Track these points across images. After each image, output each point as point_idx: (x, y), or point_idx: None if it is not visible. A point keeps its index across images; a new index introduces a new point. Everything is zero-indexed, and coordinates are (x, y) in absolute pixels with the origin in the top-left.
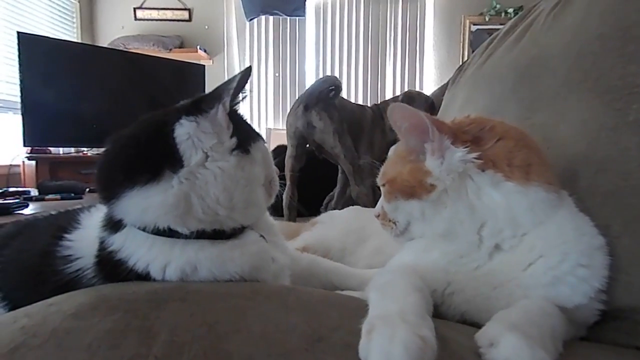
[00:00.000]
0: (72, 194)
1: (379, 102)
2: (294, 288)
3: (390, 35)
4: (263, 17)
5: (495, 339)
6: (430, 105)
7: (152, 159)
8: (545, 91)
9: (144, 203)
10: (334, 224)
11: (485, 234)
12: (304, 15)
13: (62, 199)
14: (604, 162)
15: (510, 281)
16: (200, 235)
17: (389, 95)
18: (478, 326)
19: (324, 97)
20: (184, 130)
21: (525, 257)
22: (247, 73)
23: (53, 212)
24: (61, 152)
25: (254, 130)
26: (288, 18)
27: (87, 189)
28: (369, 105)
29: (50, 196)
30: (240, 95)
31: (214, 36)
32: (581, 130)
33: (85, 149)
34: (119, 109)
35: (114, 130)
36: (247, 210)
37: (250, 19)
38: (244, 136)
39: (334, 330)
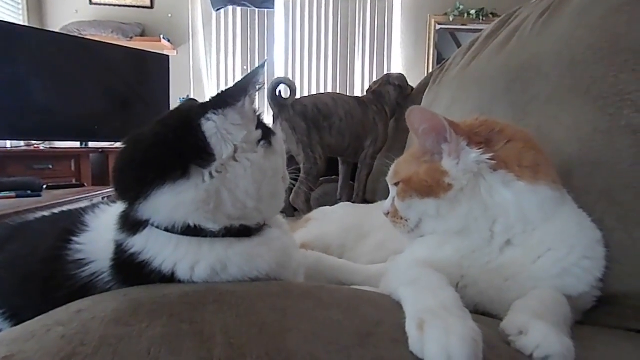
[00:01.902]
0: (29, 191)
1: (377, 89)
2: (322, 286)
3: (359, 32)
4: (230, 7)
5: (525, 327)
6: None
7: (182, 155)
8: (538, 95)
9: (175, 200)
10: (330, 221)
11: (497, 230)
12: (272, 8)
13: (17, 196)
14: (598, 162)
15: (521, 273)
16: (228, 232)
17: (358, 91)
18: (491, 317)
19: (280, 101)
20: (212, 125)
21: (535, 250)
22: (263, 65)
23: (47, 214)
24: (9, 146)
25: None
26: (257, 10)
27: (45, 186)
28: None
29: (3, 194)
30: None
31: (178, 25)
32: (575, 132)
33: (36, 142)
34: (74, 100)
35: (68, 122)
36: (273, 202)
37: (217, 9)
38: (266, 128)
39: (377, 325)
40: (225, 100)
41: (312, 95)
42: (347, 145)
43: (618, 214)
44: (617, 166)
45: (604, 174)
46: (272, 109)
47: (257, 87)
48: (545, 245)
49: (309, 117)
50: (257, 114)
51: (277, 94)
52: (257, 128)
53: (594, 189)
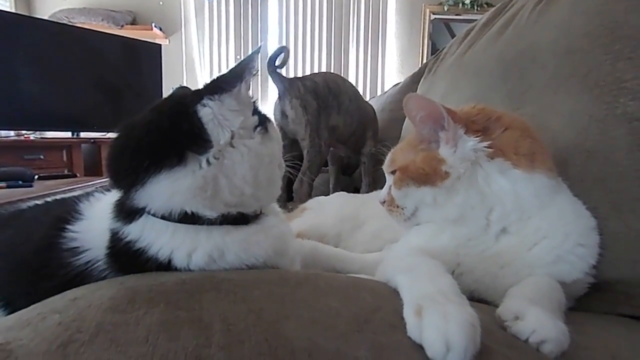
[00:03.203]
0: (20, 182)
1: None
2: (319, 274)
3: (353, 21)
4: None
5: (521, 313)
6: None
7: (178, 141)
8: (534, 84)
9: (172, 187)
10: (326, 210)
11: (493, 218)
12: None
13: (8, 187)
14: (593, 151)
15: (516, 261)
16: (225, 219)
17: (352, 81)
18: (486, 304)
19: (283, 76)
20: (209, 111)
21: (531, 238)
22: (258, 51)
23: (39, 203)
24: None
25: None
26: None
27: (36, 176)
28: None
29: None
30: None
31: (169, 13)
32: (571, 121)
33: (27, 132)
34: (64, 89)
35: (57, 112)
36: (269, 189)
37: None
38: (261, 115)
39: (375, 312)
40: (221, 86)
41: (319, 72)
42: (353, 130)
43: (612, 202)
44: (612, 154)
45: (599, 162)
46: (277, 85)
47: (253, 72)
48: (541, 233)
49: (320, 95)
50: (253, 100)
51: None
52: (252, 114)
53: (589, 177)
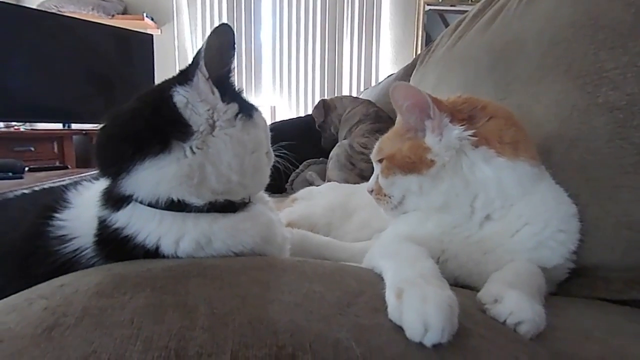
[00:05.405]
0: (10, 174)
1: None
2: (306, 261)
3: (347, 12)
4: None
5: (499, 296)
6: None
7: (160, 128)
8: (520, 74)
9: (158, 175)
10: (316, 200)
11: (477, 205)
12: None
13: None
14: (575, 139)
15: (499, 247)
16: (212, 207)
17: (346, 72)
18: (470, 289)
19: None
20: (181, 98)
21: (513, 225)
22: (219, 33)
23: (27, 192)
24: None
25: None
26: None
27: (27, 168)
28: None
29: None
30: (224, 59)
31: (161, 3)
32: (555, 110)
33: (16, 123)
34: (53, 80)
35: (47, 104)
36: (256, 176)
37: None
38: (243, 101)
39: (358, 296)
40: (186, 75)
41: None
42: None
43: (592, 189)
44: (593, 143)
45: (580, 150)
46: None
47: (212, 58)
48: (523, 220)
49: None
50: (234, 87)
51: None
52: (234, 102)
53: (571, 166)
